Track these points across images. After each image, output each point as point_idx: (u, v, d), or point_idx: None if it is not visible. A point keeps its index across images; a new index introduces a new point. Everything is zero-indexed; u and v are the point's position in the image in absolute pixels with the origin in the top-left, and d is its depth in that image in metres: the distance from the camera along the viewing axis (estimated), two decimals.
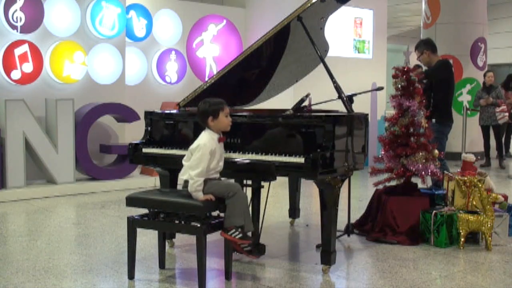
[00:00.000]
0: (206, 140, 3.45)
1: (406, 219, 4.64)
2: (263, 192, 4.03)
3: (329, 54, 4.73)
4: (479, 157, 8.23)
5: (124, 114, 7.45)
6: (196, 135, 4.10)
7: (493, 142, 10.09)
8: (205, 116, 3.51)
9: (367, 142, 4.12)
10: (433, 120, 5.69)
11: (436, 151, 4.87)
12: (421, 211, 4.63)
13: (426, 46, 6.07)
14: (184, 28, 8.88)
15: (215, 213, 3.53)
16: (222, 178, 3.63)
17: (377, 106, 9.76)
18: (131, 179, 7.41)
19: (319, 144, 3.56)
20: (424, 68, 6.39)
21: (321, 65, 4.32)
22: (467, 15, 10.86)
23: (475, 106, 9.96)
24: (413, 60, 6.54)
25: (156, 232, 3.97)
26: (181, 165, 3.54)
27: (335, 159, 3.56)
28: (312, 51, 4.30)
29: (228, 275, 3.59)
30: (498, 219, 4.54)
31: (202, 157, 3.40)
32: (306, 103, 4.21)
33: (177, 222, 3.47)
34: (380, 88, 5.04)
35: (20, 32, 6.92)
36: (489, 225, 4.37)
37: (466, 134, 9.26)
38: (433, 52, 6.07)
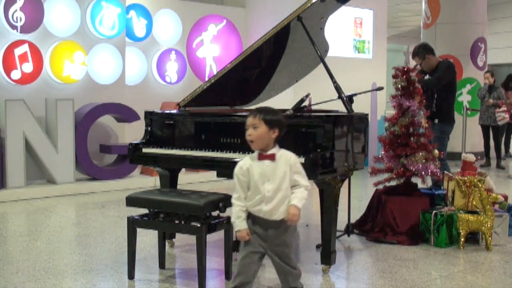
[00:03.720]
0: (241, 161, 2.86)
1: (406, 219, 4.64)
2: None
3: (329, 54, 4.73)
4: (479, 157, 8.23)
5: (124, 114, 7.45)
6: (196, 135, 4.12)
7: (492, 142, 10.10)
8: None
9: (367, 142, 4.12)
10: (435, 121, 5.69)
11: (436, 151, 4.87)
12: (421, 211, 4.62)
13: (427, 51, 6.01)
14: (184, 28, 8.88)
15: (215, 213, 3.53)
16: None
17: (377, 106, 9.76)
18: (131, 179, 7.41)
19: (319, 144, 3.56)
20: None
21: (321, 65, 4.32)
22: (467, 15, 10.86)
23: (479, 97, 9.97)
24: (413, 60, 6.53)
25: (156, 232, 3.97)
26: (181, 165, 3.51)
27: (335, 159, 3.56)
28: (312, 51, 4.30)
29: (228, 275, 3.58)
30: (498, 219, 4.54)
31: (235, 180, 2.85)
32: (306, 103, 4.20)
33: (177, 222, 3.47)
34: (380, 88, 5.04)
35: (20, 32, 6.92)
36: (489, 225, 4.37)
37: (466, 134, 9.26)
38: (433, 55, 6.08)
